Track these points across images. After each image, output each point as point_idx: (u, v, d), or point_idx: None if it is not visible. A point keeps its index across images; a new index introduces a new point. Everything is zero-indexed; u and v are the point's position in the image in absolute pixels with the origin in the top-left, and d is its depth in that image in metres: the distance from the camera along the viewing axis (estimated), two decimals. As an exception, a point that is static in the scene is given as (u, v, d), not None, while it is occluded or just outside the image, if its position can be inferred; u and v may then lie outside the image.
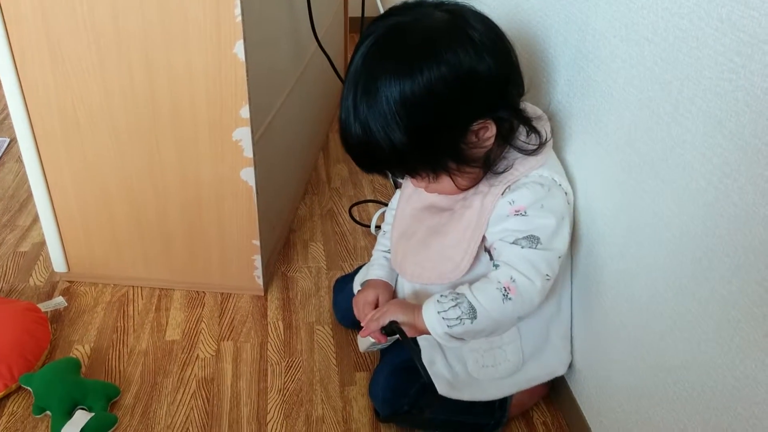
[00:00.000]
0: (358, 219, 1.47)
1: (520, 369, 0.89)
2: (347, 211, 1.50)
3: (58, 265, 1.22)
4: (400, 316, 0.85)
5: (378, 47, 0.75)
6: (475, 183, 0.84)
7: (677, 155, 0.65)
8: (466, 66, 0.73)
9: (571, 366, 0.94)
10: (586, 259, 0.87)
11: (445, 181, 0.81)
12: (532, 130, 0.82)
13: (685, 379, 0.66)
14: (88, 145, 1.08)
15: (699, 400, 0.64)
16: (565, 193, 0.83)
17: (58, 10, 0.96)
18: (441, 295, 0.82)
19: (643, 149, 0.72)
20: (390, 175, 0.84)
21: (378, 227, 1.43)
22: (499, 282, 0.79)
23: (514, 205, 0.79)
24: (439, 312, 0.81)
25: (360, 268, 1.11)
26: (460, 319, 0.79)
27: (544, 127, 0.84)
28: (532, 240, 0.79)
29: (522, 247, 0.79)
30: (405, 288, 0.95)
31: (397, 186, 1.55)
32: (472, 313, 0.79)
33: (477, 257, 0.83)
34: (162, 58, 0.98)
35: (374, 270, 1.00)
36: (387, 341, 0.90)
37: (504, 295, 0.79)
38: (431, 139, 0.76)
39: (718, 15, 0.58)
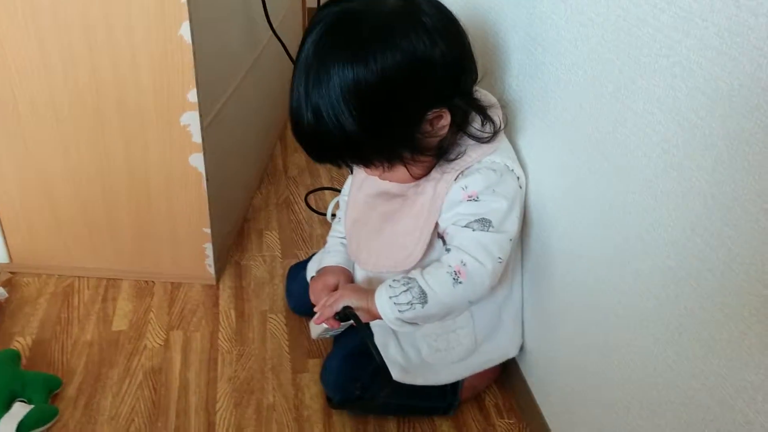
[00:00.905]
0: (314, 207, 1.45)
1: (474, 352, 0.89)
2: (303, 200, 1.48)
3: None
4: (353, 301, 0.84)
5: (330, 34, 0.73)
6: (428, 171, 0.83)
7: (619, 134, 0.66)
8: (420, 53, 0.72)
9: (522, 348, 0.94)
10: (536, 242, 0.87)
11: (400, 170, 0.80)
12: (487, 119, 0.81)
13: (628, 358, 0.67)
14: (30, 133, 1.04)
15: (643, 377, 0.64)
16: (518, 178, 0.83)
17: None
18: (393, 280, 0.81)
19: (589, 129, 0.72)
20: (333, 165, 0.82)
21: (334, 215, 1.42)
22: (450, 266, 0.79)
23: (467, 190, 0.79)
24: (390, 297, 0.80)
25: (314, 255, 1.10)
26: (411, 304, 0.79)
27: (498, 115, 0.84)
28: (484, 223, 0.79)
29: (473, 230, 0.78)
30: (358, 275, 0.94)
31: (353, 171, 1.54)
32: (423, 297, 0.79)
33: (431, 244, 0.83)
34: (104, 41, 0.95)
35: (331, 257, 0.99)
36: (340, 327, 0.89)
37: (454, 279, 0.78)
38: (385, 128, 0.74)
39: (655, -6, 0.58)
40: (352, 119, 0.72)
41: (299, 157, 1.68)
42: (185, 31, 0.94)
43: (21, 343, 1.05)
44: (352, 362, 0.92)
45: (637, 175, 0.63)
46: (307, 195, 1.49)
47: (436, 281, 0.78)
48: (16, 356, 0.98)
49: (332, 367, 0.93)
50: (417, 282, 0.79)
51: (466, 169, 0.80)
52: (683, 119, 0.56)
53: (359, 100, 0.71)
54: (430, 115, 0.75)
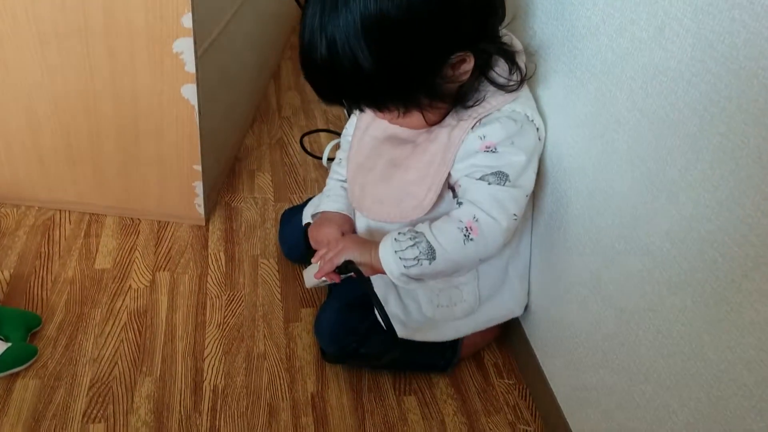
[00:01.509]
0: (309, 150, 1.39)
1: (477, 310, 0.85)
2: (298, 141, 1.41)
3: (-24, 184, 1.11)
4: (356, 255, 0.79)
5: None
6: (443, 117, 0.77)
7: (659, 83, 0.60)
8: None
9: (526, 307, 0.90)
10: (551, 196, 0.82)
11: (414, 116, 0.74)
12: (514, 65, 0.75)
13: (651, 322, 0.63)
14: (11, 55, 0.96)
15: (666, 345, 0.61)
16: (537, 129, 0.77)
17: None
18: (399, 233, 0.76)
19: (621, 77, 0.66)
20: (344, 107, 0.75)
21: (330, 159, 1.35)
22: (461, 221, 0.74)
23: (485, 140, 0.73)
24: (396, 251, 0.75)
25: (310, 199, 1.04)
26: (418, 260, 0.74)
27: (523, 61, 0.77)
28: (501, 177, 0.73)
29: (489, 184, 0.73)
30: (360, 224, 0.89)
31: (350, 113, 1.48)
32: (431, 253, 0.74)
33: (441, 195, 0.78)
34: (92, -49, 0.87)
35: (330, 202, 0.93)
36: (340, 280, 0.84)
37: (465, 235, 0.73)
38: (405, 69, 0.68)
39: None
40: (370, 56, 0.65)
41: (293, 96, 1.60)
42: (182, -54, 0.86)
43: (-3, 277, 0.99)
44: (348, 314, 0.88)
45: (678, 128, 0.58)
46: (302, 137, 1.42)
47: (445, 237, 0.73)
48: (-8, 291, 0.93)
49: (327, 319, 0.89)
50: (425, 236, 0.74)
51: (485, 117, 0.74)
52: (740, 68, 0.50)
53: (380, 35, 0.64)
54: (454, 58, 0.69)
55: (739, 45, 0.50)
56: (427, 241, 0.74)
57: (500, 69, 0.75)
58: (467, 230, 0.73)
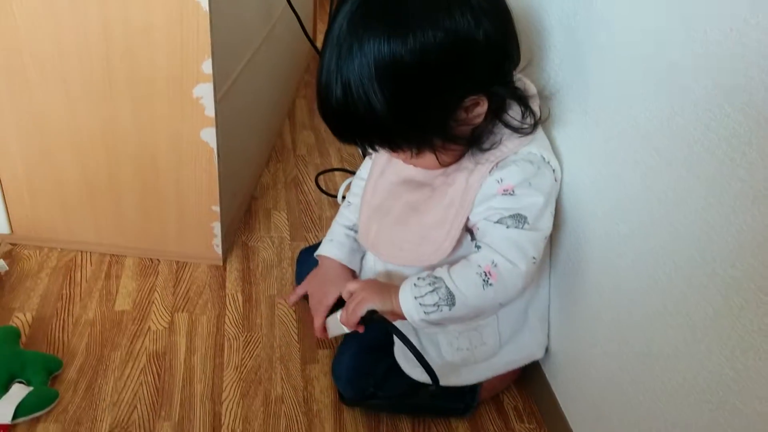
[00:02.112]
0: (324, 188, 1.40)
1: (497, 353, 0.85)
2: (313, 180, 1.42)
3: (0, 226, 1.13)
4: (378, 304, 0.78)
5: (366, 6, 0.67)
6: (458, 159, 0.78)
7: (677, 124, 0.60)
8: (464, 33, 0.66)
9: (546, 350, 0.89)
10: (569, 237, 0.82)
11: (428, 157, 0.74)
12: (528, 110, 0.75)
13: (675, 369, 0.62)
14: (36, 98, 0.99)
15: (691, 392, 0.60)
16: (553, 171, 0.78)
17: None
18: (418, 278, 0.76)
19: (638, 117, 0.66)
20: (359, 146, 0.76)
21: (345, 197, 1.36)
22: (479, 266, 0.73)
23: (503, 183, 0.74)
24: (416, 297, 0.74)
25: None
26: (438, 306, 0.73)
27: (537, 105, 0.78)
28: (519, 219, 0.73)
29: (507, 227, 0.73)
30: (377, 266, 0.88)
31: (365, 154, 1.49)
32: (450, 299, 0.73)
33: (458, 239, 0.78)
34: (118, 4, 0.89)
35: (333, 248, 0.93)
36: (364, 329, 0.84)
37: (484, 280, 0.73)
38: (417, 112, 0.69)
39: (733, -29, 0.52)
40: (384, 100, 0.66)
41: (308, 135, 1.62)
42: (202, -4, 0.88)
43: (21, 319, 1.00)
44: (366, 357, 0.87)
45: (696, 170, 0.58)
46: (317, 176, 1.43)
47: (464, 282, 0.73)
48: (15, 334, 0.93)
49: (345, 362, 0.88)
50: (444, 282, 0.74)
51: (502, 160, 0.74)
52: (758, 114, 0.50)
53: (393, 79, 0.65)
54: (467, 101, 0.70)
55: (758, 91, 0.50)
56: (447, 287, 0.73)
57: (514, 112, 0.76)
58: (486, 275, 0.72)
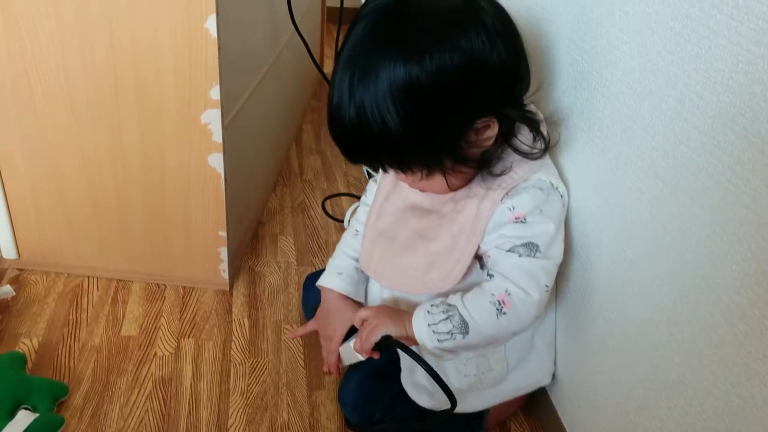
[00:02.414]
0: (330, 213, 1.41)
1: (504, 379, 0.84)
2: (319, 205, 1.43)
3: (7, 251, 1.13)
4: (392, 329, 0.77)
5: (382, 27, 0.67)
6: (465, 183, 0.78)
7: (680, 153, 0.61)
8: (479, 55, 0.66)
9: (553, 376, 0.89)
10: (574, 263, 0.82)
11: (437, 180, 0.74)
12: (538, 134, 0.76)
13: (681, 396, 0.62)
14: (44, 123, 1.00)
15: (698, 420, 0.59)
16: (561, 196, 0.78)
17: (13, -25, 0.88)
18: (432, 305, 0.76)
19: (642, 146, 0.67)
20: (369, 167, 0.76)
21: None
22: (493, 295, 0.73)
23: (514, 211, 0.74)
24: (429, 324, 0.74)
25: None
26: (451, 334, 0.73)
27: (545, 130, 0.78)
28: (531, 248, 0.74)
29: (519, 256, 0.73)
30: (384, 293, 0.88)
31: (370, 176, 1.49)
32: (464, 327, 0.73)
33: (469, 266, 0.77)
34: (126, 30, 0.91)
35: (339, 280, 0.92)
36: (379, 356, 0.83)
37: (498, 309, 0.73)
38: (431, 133, 0.69)
39: (733, 1, 0.53)
40: (398, 120, 0.66)
41: (315, 160, 1.63)
42: (211, 24, 0.90)
43: (27, 345, 1.00)
44: (373, 383, 0.87)
45: (701, 198, 0.58)
46: (324, 201, 1.44)
47: (478, 310, 0.73)
48: (21, 360, 0.94)
49: (351, 388, 0.88)
50: (458, 310, 0.73)
51: (513, 188, 0.74)
52: (762, 141, 0.51)
53: (408, 100, 0.65)
54: (479, 123, 0.70)
55: (761, 119, 0.51)
56: (460, 315, 0.73)
57: (523, 137, 0.76)
58: (500, 304, 0.72)
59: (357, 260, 0.93)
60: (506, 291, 0.72)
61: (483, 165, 0.75)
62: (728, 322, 0.55)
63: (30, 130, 1.01)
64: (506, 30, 0.70)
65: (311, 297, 1.06)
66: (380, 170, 0.80)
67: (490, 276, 0.74)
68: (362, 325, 0.80)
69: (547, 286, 0.74)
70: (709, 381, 0.58)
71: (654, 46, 0.64)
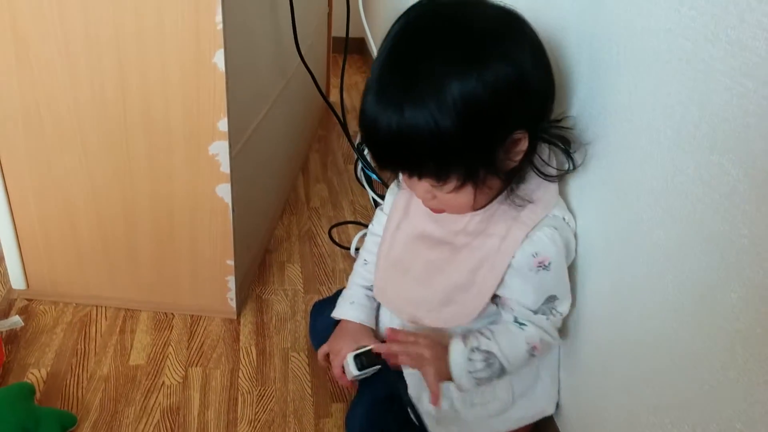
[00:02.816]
0: (337, 241, 1.42)
1: (510, 408, 0.85)
2: (326, 233, 1.45)
3: (17, 281, 1.15)
4: (431, 371, 0.78)
5: (436, 33, 0.67)
6: (487, 203, 0.78)
7: (679, 183, 0.62)
8: (527, 68, 0.68)
9: (557, 403, 0.89)
10: (577, 290, 0.83)
11: (464, 195, 0.73)
12: (567, 155, 0.76)
13: (685, 421, 0.62)
14: (54, 155, 1.02)
15: (703, 446, 0.60)
16: (572, 229, 0.80)
17: (27, 11, 0.90)
18: (472, 350, 0.78)
19: (642, 176, 0.68)
20: (403, 170, 0.73)
21: (358, 249, 1.38)
22: (528, 344, 0.79)
23: (538, 257, 0.75)
24: (470, 371, 0.78)
25: (339, 292, 1.05)
26: (489, 378, 0.79)
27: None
28: (551, 300, 0.78)
29: (547, 318, 0.79)
30: (394, 321, 0.89)
31: (377, 205, 1.51)
32: (502, 372, 0.79)
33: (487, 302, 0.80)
34: (136, 64, 0.93)
35: (354, 311, 0.93)
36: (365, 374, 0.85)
37: (531, 354, 0.79)
38: (479, 140, 0.69)
39: (726, 37, 0.55)
40: (452, 124, 0.65)
41: (321, 188, 1.65)
42: (219, 59, 0.92)
43: (35, 375, 1.01)
44: (380, 410, 0.87)
45: (700, 227, 0.59)
46: (330, 228, 1.46)
47: (516, 358, 0.79)
48: (30, 390, 0.94)
49: (358, 415, 0.89)
50: (497, 359, 0.78)
51: (534, 226, 0.75)
52: (758, 171, 0.52)
53: (464, 106, 0.65)
54: (517, 134, 0.70)
55: (756, 151, 0.52)
56: (500, 363, 0.78)
57: (545, 157, 0.77)
58: (533, 350, 0.79)
59: (368, 288, 0.94)
60: (540, 340, 0.79)
61: (509, 180, 0.75)
62: (728, 348, 0.56)
63: (40, 163, 1.03)
64: (541, 45, 0.72)
65: (319, 324, 1.06)
66: (388, 198, 0.82)
67: (523, 325, 0.79)
68: (410, 341, 0.80)
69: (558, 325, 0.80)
70: (712, 407, 0.58)
71: (651, 79, 0.65)
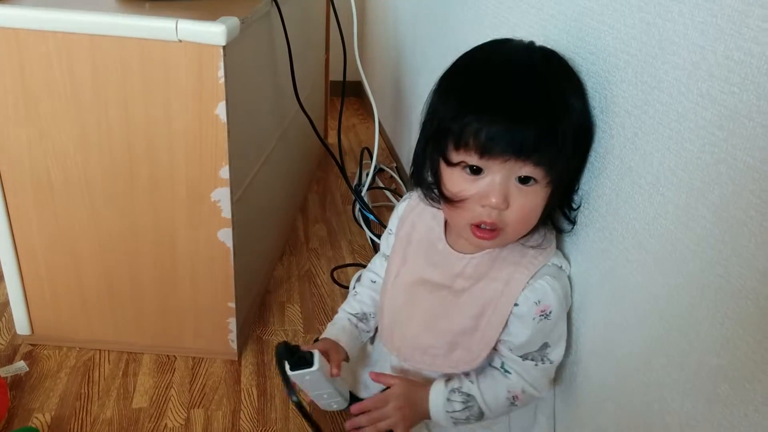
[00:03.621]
0: (337, 279, 1.45)
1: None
2: (325, 273, 1.47)
3: (22, 327, 1.17)
4: (411, 416, 0.82)
5: (546, 58, 0.75)
6: (522, 234, 0.76)
7: (660, 225, 0.65)
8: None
9: (554, 440, 0.91)
10: (571, 326, 0.85)
11: (530, 197, 0.72)
12: (570, 209, 0.81)
13: (675, 457, 0.64)
14: (61, 208, 1.05)
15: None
16: (568, 276, 0.82)
17: (36, 66, 0.95)
18: (451, 390, 0.81)
19: (625, 218, 0.71)
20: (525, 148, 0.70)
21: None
22: (509, 392, 0.80)
23: (540, 305, 0.77)
24: (448, 411, 0.80)
25: None
26: (468, 419, 0.81)
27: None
28: (544, 348, 0.79)
29: (536, 365, 0.80)
30: (393, 360, 0.91)
31: (374, 245, 1.54)
32: (480, 416, 0.81)
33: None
34: (142, 118, 0.97)
35: (335, 330, 0.94)
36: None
37: (512, 402, 0.80)
38: (584, 147, 0.77)
39: (698, 90, 0.59)
40: (582, 106, 0.75)
41: (320, 228, 1.68)
42: (221, 110, 0.96)
43: (40, 420, 1.03)
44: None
45: (680, 267, 0.62)
46: (333, 270, 1.48)
47: (495, 403, 0.80)
48: (35, 435, 0.96)
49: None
50: (476, 402, 0.80)
51: (536, 273, 0.77)
52: (730, 216, 0.55)
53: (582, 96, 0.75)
54: None
55: (727, 195, 0.56)
56: (479, 407, 0.80)
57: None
58: (514, 399, 0.80)
59: (355, 316, 0.97)
60: (522, 390, 0.79)
61: (544, 220, 0.78)
62: (713, 383, 0.58)
63: (48, 213, 1.06)
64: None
65: None
66: (383, 242, 0.84)
67: (507, 372, 0.80)
68: (387, 395, 0.83)
69: (551, 379, 0.81)
70: (699, 442, 0.61)
71: (631, 127, 0.69)
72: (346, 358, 0.91)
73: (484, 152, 0.68)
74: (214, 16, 0.93)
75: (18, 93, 0.97)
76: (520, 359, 0.79)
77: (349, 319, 0.97)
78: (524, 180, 0.71)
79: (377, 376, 0.85)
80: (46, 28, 0.92)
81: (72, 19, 0.91)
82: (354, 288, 1.02)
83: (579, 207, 0.81)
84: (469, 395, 0.79)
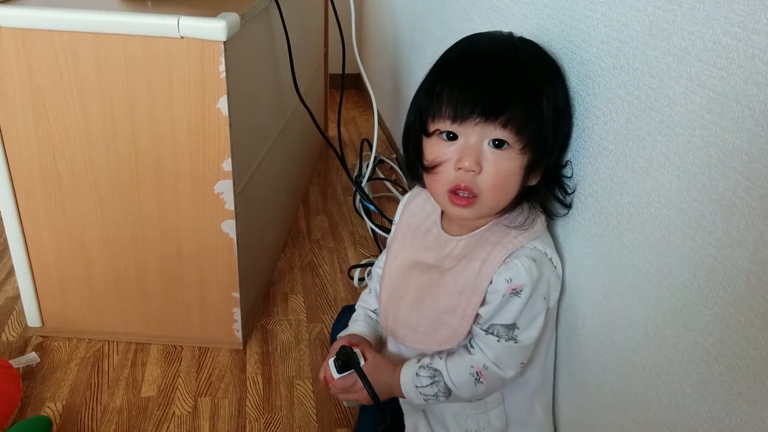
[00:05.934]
0: (351, 276, 1.46)
1: (504, 433, 0.88)
2: (327, 263, 1.49)
3: (32, 319, 1.19)
4: (383, 387, 0.83)
5: (519, 41, 0.79)
6: (499, 204, 0.79)
7: (653, 208, 0.67)
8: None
9: (556, 428, 0.93)
10: (567, 311, 0.87)
11: (511, 163, 0.74)
12: (564, 193, 0.83)
13: (671, 435, 0.66)
14: (69, 201, 1.07)
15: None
16: (555, 267, 0.82)
17: (42, 65, 0.97)
18: (420, 366, 0.82)
19: (620, 202, 0.73)
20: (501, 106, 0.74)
21: (361, 279, 1.43)
22: (472, 367, 0.80)
23: (511, 283, 0.77)
24: (417, 386, 0.82)
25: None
26: (436, 396, 0.82)
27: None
28: (510, 329, 0.78)
29: (498, 340, 0.79)
30: (391, 346, 0.92)
31: (374, 235, 1.55)
32: (447, 392, 0.81)
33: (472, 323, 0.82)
34: (146, 113, 0.99)
35: (357, 326, 0.96)
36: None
37: (476, 379, 0.80)
38: (564, 118, 0.80)
39: (687, 74, 0.60)
40: (559, 80, 0.81)
41: (322, 220, 1.70)
42: (223, 104, 0.98)
43: (52, 409, 1.05)
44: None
45: (673, 250, 0.64)
46: (349, 270, 1.49)
47: (459, 379, 0.80)
48: (47, 423, 0.98)
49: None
50: (442, 377, 0.81)
51: (512, 253, 0.78)
52: (720, 197, 0.57)
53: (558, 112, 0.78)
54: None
55: (717, 177, 0.57)
56: (444, 383, 0.81)
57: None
58: (477, 374, 0.80)
59: (370, 310, 0.99)
60: (484, 366, 0.79)
61: (525, 195, 0.80)
62: (705, 362, 0.60)
63: (56, 206, 1.08)
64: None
65: (341, 326, 1.08)
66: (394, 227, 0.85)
67: (472, 347, 0.81)
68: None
69: (522, 363, 0.80)
70: (694, 419, 0.62)
71: (624, 113, 0.71)
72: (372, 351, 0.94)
73: (456, 117, 0.74)
74: (215, 12, 0.94)
75: (26, 90, 0.98)
76: (484, 332, 0.79)
77: (366, 314, 0.98)
78: (498, 145, 0.74)
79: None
80: (52, 27, 0.94)
81: (76, 19, 0.93)
82: (369, 286, 1.03)
83: (574, 191, 0.83)
84: (436, 370, 0.81)
